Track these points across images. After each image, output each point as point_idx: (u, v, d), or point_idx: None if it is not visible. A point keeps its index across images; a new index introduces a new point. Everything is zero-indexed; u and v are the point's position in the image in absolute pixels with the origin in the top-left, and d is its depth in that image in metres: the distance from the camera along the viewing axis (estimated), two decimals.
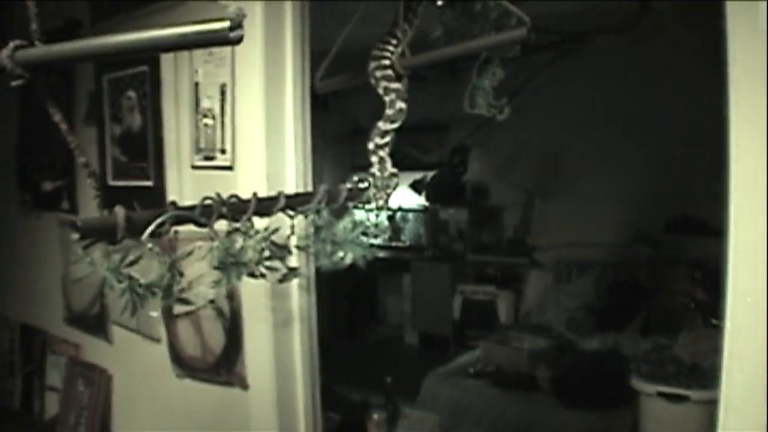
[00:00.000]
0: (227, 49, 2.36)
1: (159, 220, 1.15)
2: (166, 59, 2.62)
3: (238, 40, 0.90)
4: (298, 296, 2.37)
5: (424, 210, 7.81)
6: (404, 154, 6.98)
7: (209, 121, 2.46)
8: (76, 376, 3.34)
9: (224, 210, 1.27)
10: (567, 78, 4.50)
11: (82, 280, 3.16)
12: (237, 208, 1.32)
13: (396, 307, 7.84)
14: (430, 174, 7.68)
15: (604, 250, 6.13)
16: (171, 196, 2.63)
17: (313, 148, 2.47)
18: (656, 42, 4.04)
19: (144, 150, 2.73)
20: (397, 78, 1.68)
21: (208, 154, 2.49)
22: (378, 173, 1.59)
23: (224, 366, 2.54)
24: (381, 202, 1.60)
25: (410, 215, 7.92)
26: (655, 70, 5.38)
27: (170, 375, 2.78)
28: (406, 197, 7.71)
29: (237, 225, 1.31)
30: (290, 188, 2.35)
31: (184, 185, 2.62)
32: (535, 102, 4.38)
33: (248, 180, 2.34)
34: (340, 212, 1.61)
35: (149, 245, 1.15)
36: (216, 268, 1.27)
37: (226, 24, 0.88)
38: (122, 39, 0.97)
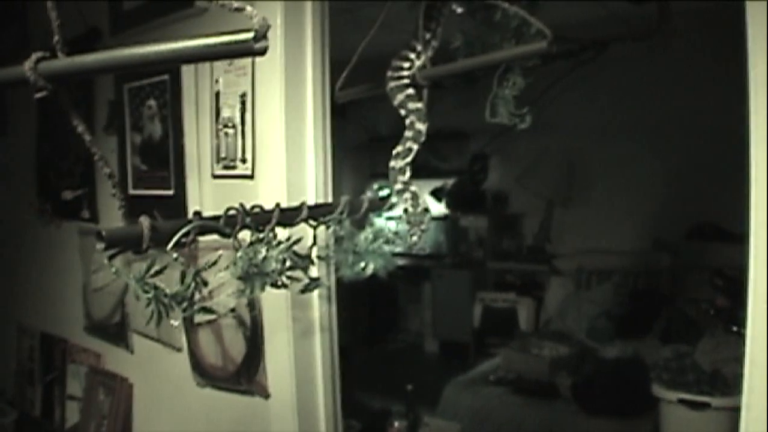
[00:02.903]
0: (248, 59, 2.37)
1: (184, 230, 1.16)
2: (187, 68, 2.63)
3: (263, 51, 0.90)
4: (318, 306, 2.37)
5: (444, 217, 7.80)
6: (424, 162, 6.99)
7: (230, 131, 2.47)
8: (97, 385, 3.35)
9: (248, 220, 1.27)
10: (586, 85, 4.48)
11: (102, 289, 3.16)
12: (260, 219, 1.32)
13: (416, 314, 7.82)
14: (450, 181, 7.68)
15: (624, 258, 6.12)
16: (191, 205, 2.64)
17: (332, 156, 2.47)
18: (675, 49, 4.00)
19: (165, 159, 2.74)
20: (418, 90, 1.68)
21: (229, 163, 2.50)
22: (411, 209, 1.60)
23: (245, 375, 2.54)
24: (415, 238, 1.60)
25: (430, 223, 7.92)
26: (674, 76, 5.37)
27: (191, 384, 2.78)
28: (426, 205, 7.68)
29: (260, 235, 1.31)
30: (311, 197, 2.36)
31: (205, 194, 2.63)
32: (555, 109, 4.34)
33: (269, 189, 2.35)
34: (362, 222, 1.61)
35: (174, 255, 1.16)
36: (240, 278, 1.27)
37: (251, 35, 0.89)
38: (146, 51, 0.97)
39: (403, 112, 1.64)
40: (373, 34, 1.80)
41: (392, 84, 1.65)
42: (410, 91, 1.64)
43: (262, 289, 1.30)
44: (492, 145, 6.97)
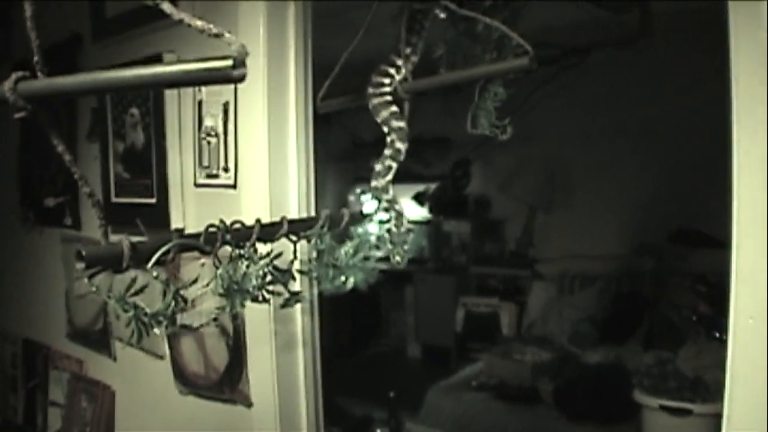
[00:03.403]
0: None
1: (164, 249, 1.16)
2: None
3: (242, 78, 0.91)
4: (301, 315, 2.37)
5: (426, 222, 7.81)
6: (406, 167, 7.00)
7: (212, 140, 2.47)
8: (79, 392, 3.35)
9: (228, 237, 1.28)
10: (568, 90, 4.49)
11: (85, 296, 3.16)
12: (241, 235, 1.33)
13: (399, 319, 7.82)
14: (433, 186, 7.69)
15: (607, 262, 6.13)
16: (174, 214, 2.64)
17: (315, 166, 2.48)
18: (658, 53, 4.03)
19: (147, 167, 2.73)
20: (399, 103, 1.68)
21: (212, 172, 2.50)
22: (394, 229, 1.60)
23: (227, 383, 2.54)
24: (398, 258, 1.61)
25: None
26: (656, 80, 5.39)
27: (174, 392, 2.78)
28: (408, 209, 7.67)
29: (241, 251, 1.31)
30: (293, 207, 2.36)
31: (188, 203, 2.63)
32: (537, 114, 4.36)
33: (251, 198, 2.35)
34: (343, 236, 1.61)
35: (154, 273, 1.16)
36: (221, 295, 1.27)
37: (229, 62, 0.89)
38: (126, 74, 0.98)
39: (386, 129, 1.64)
40: (356, 44, 1.80)
41: (375, 101, 1.65)
42: (394, 108, 1.64)
43: (243, 305, 1.30)
44: (475, 150, 6.98)
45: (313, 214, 2.44)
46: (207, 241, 1.26)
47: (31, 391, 3.81)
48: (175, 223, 2.63)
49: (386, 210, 1.65)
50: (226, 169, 2.45)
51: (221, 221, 1.31)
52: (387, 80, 1.67)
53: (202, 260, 2.47)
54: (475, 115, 1.96)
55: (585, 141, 6.17)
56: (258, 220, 1.38)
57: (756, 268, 1.39)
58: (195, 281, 1.23)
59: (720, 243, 1.51)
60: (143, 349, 2.88)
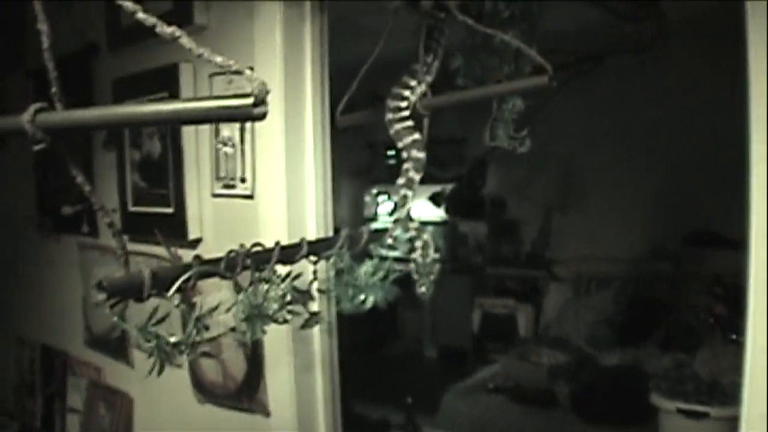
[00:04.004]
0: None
1: (184, 277, 1.16)
2: (186, 86, 2.62)
3: (262, 117, 0.90)
4: (319, 327, 2.37)
5: (443, 223, 7.80)
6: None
7: (229, 150, 2.47)
8: (98, 399, 3.36)
9: (248, 262, 1.28)
10: (585, 94, 4.50)
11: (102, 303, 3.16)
12: (261, 258, 1.33)
13: (415, 320, 7.81)
14: (449, 187, 7.68)
15: (623, 264, 6.12)
16: (191, 224, 2.64)
17: (332, 176, 2.48)
18: (673, 57, 4.04)
19: (164, 177, 2.73)
20: (418, 119, 1.68)
21: (228, 182, 2.50)
22: (420, 259, 1.59)
23: (246, 393, 2.55)
24: (423, 289, 1.60)
25: (429, 228, 7.92)
26: (672, 83, 5.38)
27: (192, 400, 2.79)
28: (425, 210, 7.69)
29: (260, 275, 1.31)
30: (311, 217, 2.36)
31: (205, 213, 2.63)
32: (554, 116, 4.36)
33: (269, 209, 2.35)
34: (362, 255, 1.61)
35: (176, 302, 1.16)
36: (243, 321, 1.27)
37: (250, 101, 0.89)
38: (144, 110, 0.98)
39: (404, 155, 1.64)
40: (373, 58, 1.80)
41: (397, 126, 1.64)
42: (417, 136, 1.63)
43: (263, 331, 1.30)
44: (491, 151, 6.97)
45: (330, 224, 2.45)
46: (227, 267, 1.25)
47: (50, 397, 3.82)
48: (193, 234, 2.63)
49: (412, 240, 1.64)
50: (243, 180, 2.45)
51: (241, 245, 1.31)
52: (404, 103, 1.67)
53: None
54: (493, 127, 1.96)
55: (601, 143, 6.16)
56: (277, 243, 1.38)
57: None
58: (216, 308, 1.22)
59: (736, 244, 1.51)
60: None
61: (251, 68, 2.21)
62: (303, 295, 1.40)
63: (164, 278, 1.15)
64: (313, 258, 1.46)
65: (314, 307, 1.49)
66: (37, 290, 3.85)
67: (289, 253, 1.39)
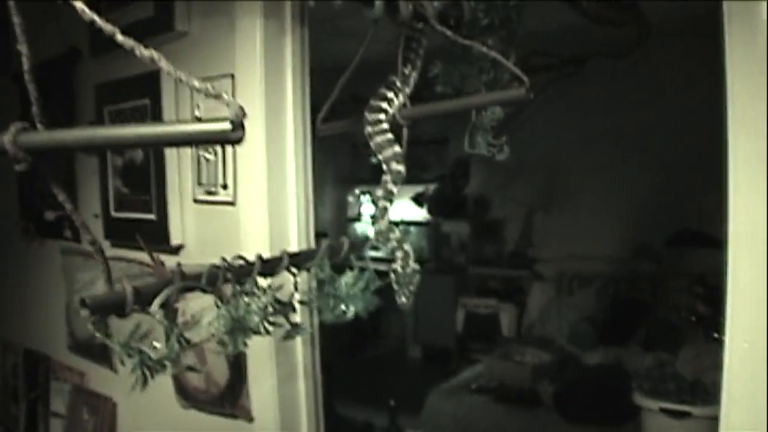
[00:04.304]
0: (227, 85, 2.37)
1: (166, 293, 1.17)
2: (168, 92, 2.63)
3: (239, 140, 0.92)
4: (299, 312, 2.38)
5: (425, 223, 7.82)
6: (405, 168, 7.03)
7: (210, 156, 2.48)
8: (81, 404, 3.36)
9: (229, 276, 1.29)
10: (567, 95, 4.52)
11: None
12: (242, 271, 1.34)
13: (398, 320, 7.82)
14: (432, 187, 7.69)
15: (606, 263, 6.15)
16: (173, 229, 2.64)
17: (314, 179, 2.49)
18: (654, 61, 4.07)
19: (146, 183, 2.74)
20: (398, 129, 1.69)
21: (210, 188, 2.51)
22: (400, 270, 1.60)
23: (228, 399, 2.56)
24: (403, 299, 1.61)
25: (412, 228, 7.93)
26: (654, 84, 5.41)
27: (175, 405, 2.79)
28: (407, 210, 7.70)
29: (241, 288, 1.32)
30: (293, 223, 2.37)
31: (187, 219, 2.64)
32: (536, 117, 4.38)
33: (250, 215, 2.36)
34: (342, 266, 1.62)
35: (158, 317, 1.17)
36: (224, 334, 1.28)
37: (228, 126, 0.90)
38: (126, 132, 0.99)
39: (384, 167, 1.64)
40: (352, 69, 1.81)
41: (378, 139, 1.65)
42: (397, 149, 1.64)
43: (245, 344, 1.31)
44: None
45: (312, 229, 2.46)
46: (209, 281, 1.26)
47: (33, 401, 3.81)
48: (175, 239, 2.64)
49: (393, 251, 1.64)
50: (224, 186, 2.46)
51: (223, 258, 1.32)
52: (383, 116, 1.67)
53: None
54: (472, 134, 1.97)
55: (583, 143, 6.19)
56: (259, 256, 1.39)
57: (752, 269, 1.40)
58: (197, 321, 1.23)
59: (718, 243, 1.52)
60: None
61: (232, 75, 2.24)
62: (284, 307, 1.41)
63: (146, 294, 1.16)
64: (294, 270, 1.47)
65: (296, 318, 1.50)
66: (19, 294, 3.85)
67: (270, 266, 1.40)
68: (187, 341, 1.21)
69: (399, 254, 1.58)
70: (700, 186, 4.31)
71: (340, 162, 8.16)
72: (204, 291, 1.26)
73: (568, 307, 5.95)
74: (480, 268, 7.32)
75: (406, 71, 1.71)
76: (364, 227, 8.53)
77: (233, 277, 1.30)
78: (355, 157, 8.03)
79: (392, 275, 1.58)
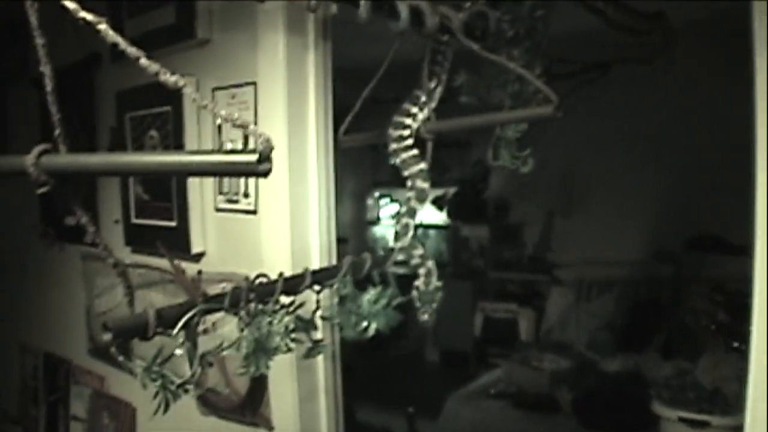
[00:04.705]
0: (250, 93, 2.37)
1: (189, 315, 1.16)
2: (189, 100, 2.62)
3: (267, 173, 0.91)
4: (321, 328, 2.37)
5: (445, 227, 7.82)
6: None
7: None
8: (101, 408, 3.36)
9: (252, 296, 1.28)
10: (589, 99, 4.50)
11: (105, 313, 3.16)
12: (265, 290, 1.33)
13: (417, 324, 7.79)
14: (452, 190, 7.68)
15: (625, 268, 6.12)
16: (194, 237, 2.64)
17: (336, 188, 2.48)
18: (678, 67, 4.04)
19: (167, 190, 2.73)
20: (422, 143, 1.68)
21: (232, 197, 2.50)
22: (423, 287, 1.60)
23: (249, 407, 2.55)
24: (426, 317, 1.61)
25: (431, 232, 7.93)
26: (676, 90, 5.38)
27: (195, 412, 2.78)
28: (427, 214, 7.70)
29: (264, 307, 1.31)
30: (314, 232, 2.36)
31: (208, 227, 2.63)
32: (556, 120, 4.37)
33: (271, 224, 2.35)
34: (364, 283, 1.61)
35: (180, 340, 1.17)
36: (246, 357, 1.28)
37: (254, 157, 0.89)
38: (149, 160, 0.98)
39: (406, 173, 1.64)
40: (378, 78, 1.80)
41: (395, 145, 1.64)
42: (423, 165, 1.64)
43: (267, 366, 1.31)
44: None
45: (333, 239, 2.45)
46: (232, 302, 1.26)
47: (53, 404, 3.82)
48: (196, 248, 2.64)
49: (417, 267, 1.64)
50: (246, 195, 2.45)
51: (245, 278, 1.31)
52: (407, 132, 1.67)
53: (223, 284, 2.49)
54: (496, 146, 1.96)
55: (603, 147, 6.17)
56: (281, 274, 1.38)
57: None
58: (221, 350, 1.23)
59: (738, 249, 1.51)
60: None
61: (255, 83, 2.23)
62: (306, 324, 1.41)
63: (169, 317, 1.16)
64: (317, 288, 1.46)
65: (317, 335, 1.49)
66: (40, 298, 3.85)
67: (293, 284, 1.39)
68: (210, 364, 1.21)
69: (422, 271, 1.59)
70: (718, 191, 4.29)
71: (359, 164, 8.16)
72: (227, 312, 1.25)
73: (587, 313, 5.94)
74: (499, 272, 7.31)
75: (431, 85, 1.71)
76: (384, 230, 8.53)
77: (256, 297, 1.30)
78: (374, 160, 8.02)
79: (414, 292, 1.58)
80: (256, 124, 2.36)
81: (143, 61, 0.96)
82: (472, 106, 1.90)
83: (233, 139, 2.45)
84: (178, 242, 2.67)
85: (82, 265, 3.39)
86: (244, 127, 0.92)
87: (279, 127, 2.28)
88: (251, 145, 2.30)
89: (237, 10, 2.43)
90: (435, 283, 1.63)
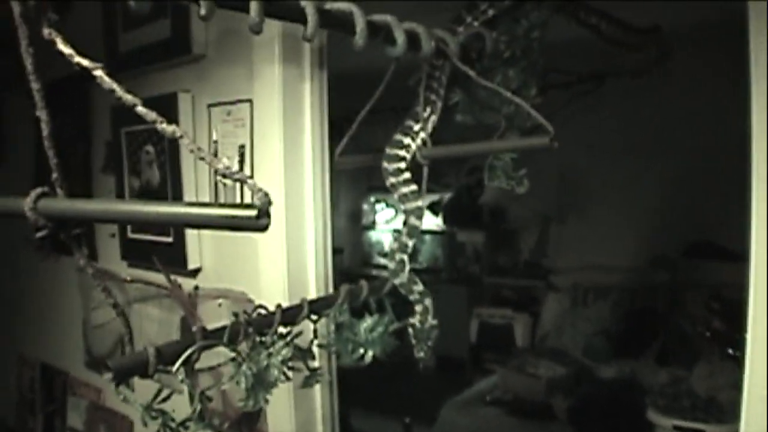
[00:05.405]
0: (246, 111, 2.37)
1: (188, 352, 1.17)
2: (185, 115, 2.62)
3: (264, 228, 0.91)
4: (318, 355, 2.38)
5: (440, 232, 7.82)
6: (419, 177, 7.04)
7: (228, 181, 2.47)
8: (98, 421, 3.36)
9: (250, 330, 1.29)
10: (584, 107, 4.51)
11: (102, 326, 3.17)
12: (263, 322, 1.34)
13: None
14: (447, 196, 7.69)
15: (622, 274, 6.13)
16: (191, 254, 2.64)
17: (332, 204, 2.48)
18: (671, 75, 4.05)
19: None
20: (417, 168, 1.69)
21: None
22: (419, 325, 1.61)
23: (246, 422, 2.55)
24: (422, 354, 1.62)
25: (427, 237, 7.94)
26: (673, 98, 5.38)
27: (192, 427, 2.79)
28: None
29: (262, 339, 1.32)
30: (310, 247, 2.37)
31: (204, 243, 2.64)
32: (554, 126, 4.38)
33: (268, 240, 2.35)
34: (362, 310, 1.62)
35: (180, 377, 1.17)
36: (246, 391, 1.28)
37: (254, 212, 0.90)
38: (147, 209, 0.98)
39: (403, 207, 1.65)
40: (372, 103, 1.80)
41: (393, 180, 1.65)
42: (413, 187, 1.65)
43: (266, 400, 1.31)
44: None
45: (330, 254, 2.45)
46: (231, 337, 1.26)
47: (50, 415, 3.82)
48: (192, 263, 2.64)
49: (416, 302, 1.65)
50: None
51: (244, 312, 1.32)
52: (403, 164, 1.68)
53: (219, 300, 2.50)
54: (491, 166, 1.97)
55: (600, 152, 6.17)
56: (279, 306, 1.39)
57: None
58: (220, 385, 1.24)
59: (735, 256, 1.51)
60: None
61: (250, 101, 2.24)
62: (304, 353, 1.41)
63: (168, 354, 1.16)
64: (314, 317, 1.47)
65: (315, 363, 1.50)
66: (38, 309, 3.86)
67: (290, 315, 1.40)
68: (210, 398, 1.21)
69: (419, 308, 1.59)
70: (714, 198, 4.31)
71: (355, 170, 8.16)
72: (226, 346, 1.26)
73: (583, 319, 5.94)
74: (495, 277, 7.32)
75: (426, 113, 1.71)
76: (379, 235, 8.54)
77: (254, 330, 1.30)
78: (370, 165, 8.03)
79: (410, 330, 1.59)
80: (251, 140, 2.37)
81: (140, 108, 0.97)
82: (467, 125, 1.91)
83: (230, 155, 2.46)
84: (174, 257, 2.67)
85: (78, 278, 3.40)
86: (242, 181, 0.93)
87: (275, 144, 2.28)
88: (246, 168, 2.32)
89: (233, 26, 2.43)
90: (431, 321, 1.64)
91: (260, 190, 0.89)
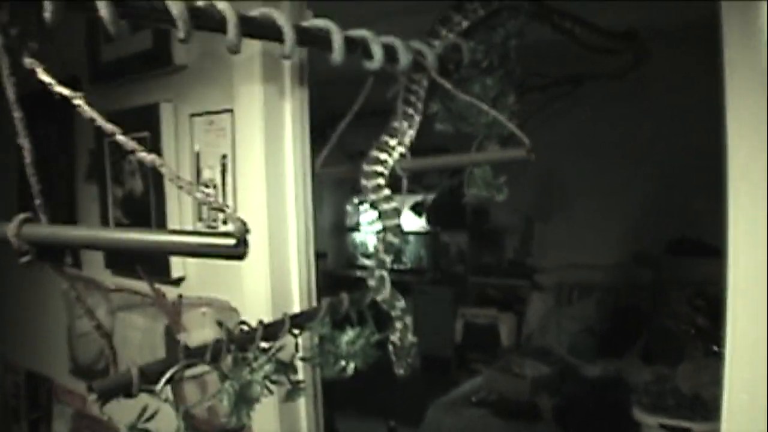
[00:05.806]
0: (227, 121, 2.38)
1: (171, 372, 1.19)
2: (167, 125, 2.63)
3: (242, 256, 0.93)
4: (301, 367, 2.39)
5: (424, 233, 7.84)
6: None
7: (211, 191, 2.48)
8: (83, 428, 3.36)
9: (233, 347, 1.30)
10: (564, 108, 4.53)
11: (87, 335, 3.17)
12: (245, 338, 1.35)
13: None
14: (431, 196, 7.70)
15: (605, 272, 6.16)
16: (174, 263, 2.65)
17: (315, 211, 2.50)
18: (650, 76, 4.08)
19: (146, 215, 2.73)
20: (397, 180, 1.70)
21: (211, 223, 2.51)
22: (398, 342, 1.62)
23: (231, 430, 2.56)
24: (401, 371, 1.63)
25: (411, 238, 7.96)
26: (653, 97, 5.42)
27: None
28: (406, 220, 7.70)
29: (245, 354, 1.33)
30: (293, 257, 2.37)
31: None
32: (534, 127, 4.39)
33: (251, 250, 2.35)
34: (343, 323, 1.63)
35: (164, 397, 1.19)
36: (229, 408, 1.30)
37: (232, 241, 0.91)
38: (129, 237, 1.00)
39: (383, 223, 1.66)
40: (352, 115, 1.81)
41: (374, 196, 1.66)
42: (394, 204, 1.66)
43: (249, 417, 1.33)
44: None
45: (312, 262, 2.46)
46: (213, 355, 1.28)
47: (34, 423, 3.82)
48: (176, 272, 2.64)
49: (397, 319, 1.67)
50: (225, 222, 2.46)
51: (226, 329, 1.33)
52: (382, 180, 1.69)
53: (203, 309, 2.51)
54: (471, 174, 1.98)
55: (583, 151, 6.20)
56: (261, 322, 1.40)
57: (752, 280, 1.40)
58: (202, 401, 1.25)
59: (718, 252, 1.52)
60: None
61: (231, 110, 2.25)
62: (286, 367, 1.43)
63: (152, 374, 1.18)
64: (296, 331, 1.48)
65: (298, 377, 1.51)
66: (22, 316, 3.85)
67: (272, 331, 1.42)
68: (192, 416, 1.23)
69: (398, 325, 1.60)
70: (696, 194, 4.33)
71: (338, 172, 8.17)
72: (209, 364, 1.28)
73: (568, 318, 5.97)
74: (479, 277, 7.35)
75: (403, 128, 1.72)
76: (363, 237, 8.55)
77: (236, 346, 1.32)
78: (353, 165, 8.04)
79: (390, 347, 1.60)
80: (233, 149, 2.38)
81: (120, 137, 0.98)
82: (446, 134, 1.92)
83: (211, 164, 2.47)
84: (158, 266, 2.68)
85: (62, 286, 3.40)
86: (220, 210, 0.95)
87: (256, 154, 2.29)
88: (229, 173, 2.33)
89: (214, 37, 2.44)
90: (410, 338, 1.65)
91: (238, 219, 0.91)
